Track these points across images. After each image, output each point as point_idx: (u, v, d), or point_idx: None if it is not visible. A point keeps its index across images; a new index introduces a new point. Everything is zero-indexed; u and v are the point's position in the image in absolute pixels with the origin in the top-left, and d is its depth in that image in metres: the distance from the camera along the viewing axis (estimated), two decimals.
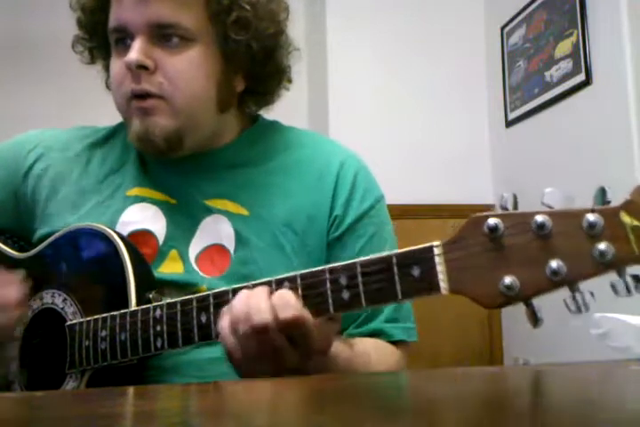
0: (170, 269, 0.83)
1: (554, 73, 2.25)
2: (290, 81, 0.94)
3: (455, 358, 2.41)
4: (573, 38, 2.14)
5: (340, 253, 0.85)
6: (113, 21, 0.82)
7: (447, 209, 2.50)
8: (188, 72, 0.81)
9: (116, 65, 0.83)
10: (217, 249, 0.84)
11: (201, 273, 0.83)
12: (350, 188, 0.88)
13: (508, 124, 2.57)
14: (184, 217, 0.86)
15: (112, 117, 0.99)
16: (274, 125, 0.97)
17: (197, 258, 0.84)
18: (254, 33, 0.83)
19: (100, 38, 0.88)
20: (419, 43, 2.70)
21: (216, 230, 0.85)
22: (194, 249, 0.85)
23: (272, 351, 0.63)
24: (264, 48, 0.85)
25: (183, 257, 0.84)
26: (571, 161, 2.14)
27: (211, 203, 0.86)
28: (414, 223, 2.30)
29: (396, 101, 2.66)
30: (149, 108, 0.80)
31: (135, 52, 0.79)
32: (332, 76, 2.67)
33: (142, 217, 0.86)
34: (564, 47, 2.20)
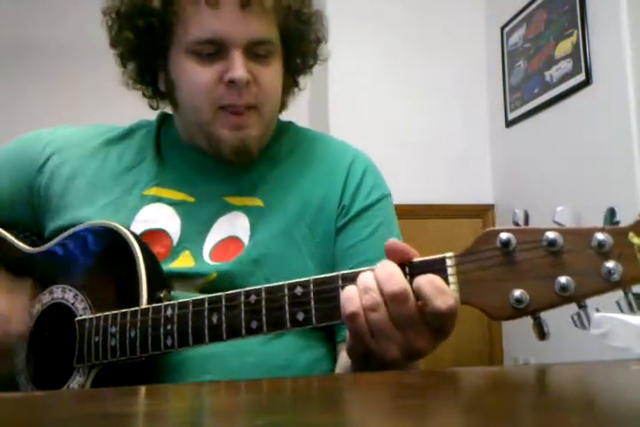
0: (181, 265, 0.85)
1: (554, 73, 2.25)
2: None
3: (455, 359, 2.41)
4: (573, 38, 2.14)
5: (347, 241, 0.87)
6: (206, 33, 0.82)
7: (447, 209, 2.50)
8: (275, 83, 0.88)
9: (202, 75, 0.84)
10: (231, 241, 0.86)
11: (213, 263, 0.84)
12: (359, 181, 0.91)
13: (508, 124, 2.57)
14: (201, 215, 0.88)
15: (115, 118, 0.99)
16: (289, 126, 1.00)
17: (212, 252, 0.86)
18: (308, 44, 0.92)
19: (149, 36, 0.87)
20: (419, 43, 2.70)
21: (232, 225, 0.87)
22: (208, 245, 0.86)
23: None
24: (313, 56, 0.94)
25: (196, 256, 0.85)
26: (571, 161, 2.15)
27: (231, 200, 0.89)
28: (414, 223, 2.30)
29: (396, 102, 2.66)
30: (245, 123, 0.85)
31: (242, 68, 0.82)
32: (333, 77, 2.67)
33: (158, 217, 0.87)
34: (564, 47, 2.20)
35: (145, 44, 0.88)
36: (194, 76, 0.84)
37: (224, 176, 0.90)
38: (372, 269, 0.62)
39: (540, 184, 2.32)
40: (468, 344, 2.51)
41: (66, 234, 0.85)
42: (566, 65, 2.17)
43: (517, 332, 2.43)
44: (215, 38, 0.82)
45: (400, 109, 2.66)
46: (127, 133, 0.97)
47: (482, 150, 2.71)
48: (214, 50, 0.83)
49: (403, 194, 2.40)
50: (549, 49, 2.30)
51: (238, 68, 0.81)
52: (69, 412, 0.45)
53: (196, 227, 0.87)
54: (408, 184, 2.48)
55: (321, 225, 0.88)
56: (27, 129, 1.00)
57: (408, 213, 2.39)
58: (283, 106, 0.97)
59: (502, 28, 2.64)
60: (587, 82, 2.06)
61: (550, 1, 2.30)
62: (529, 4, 2.45)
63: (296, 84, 0.97)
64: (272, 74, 0.86)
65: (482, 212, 2.59)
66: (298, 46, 0.91)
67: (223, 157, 0.88)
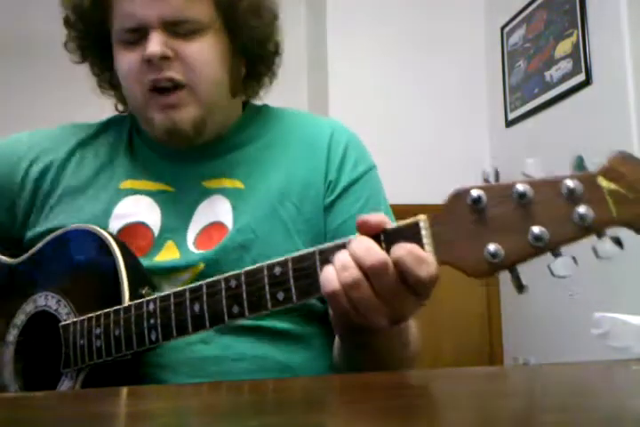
0: (166, 257, 0.84)
1: (554, 73, 2.25)
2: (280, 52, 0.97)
3: (455, 358, 2.41)
4: (573, 38, 2.14)
5: (337, 217, 0.86)
6: (126, 22, 0.83)
7: None
8: (205, 57, 0.84)
9: (128, 60, 0.84)
10: (215, 227, 0.85)
11: (198, 252, 0.83)
12: (342, 154, 0.90)
13: (508, 124, 2.57)
14: (181, 204, 0.87)
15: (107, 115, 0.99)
16: (262, 108, 0.99)
17: (196, 240, 0.85)
18: (258, 19, 0.88)
19: (92, 38, 0.89)
20: (419, 43, 2.70)
21: (214, 210, 0.86)
22: (191, 233, 0.85)
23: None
24: (265, 33, 0.90)
25: (180, 246, 0.84)
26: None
27: (208, 184, 0.88)
28: None
29: (396, 102, 2.66)
30: (175, 102, 0.83)
31: (155, 44, 0.81)
32: (332, 77, 2.67)
33: (136, 209, 0.87)
34: (564, 47, 2.20)
35: (90, 45, 0.89)
36: (122, 62, 0.85)
37: (199, 161, 0.90)
38: (349, 242, 0.60)
39: None
40: (468, 344, 2.50)
41: (44, 241, 0.84)
42: (566, 65, 2.17)
43: (517, 332, 2.43)
44: (133, 24, 0.82)
45: (399, 109, 2.66)
46: (101, 130, 0.97)
47: (482, 150, 2.71)
48: (138, 37, 0.83)
49: (402, 194, 2.40)
50: (549, 49, 2.30)
51: (151, 44, 0.81)
52: (56, 413, 0.45)
53: (177, 216, 0.86)
54: (407, 184, 2.48)
55: (308, 201, 0.86)
56: (25, 126, 1.00)
57: (407, 213, 2.38)
58: (235, 90, 0.91)
59: (502, 28, 2.64)
60: (587, 82, 2.06)
61: (550, 1, 2.30)
62: (529, 4, 2.45)
63: (266, 67, 0.94)
64: (198, 49, 0.84)
65: None
66: (234, 21, 0.87)
67: (158, 140, 0.88)
